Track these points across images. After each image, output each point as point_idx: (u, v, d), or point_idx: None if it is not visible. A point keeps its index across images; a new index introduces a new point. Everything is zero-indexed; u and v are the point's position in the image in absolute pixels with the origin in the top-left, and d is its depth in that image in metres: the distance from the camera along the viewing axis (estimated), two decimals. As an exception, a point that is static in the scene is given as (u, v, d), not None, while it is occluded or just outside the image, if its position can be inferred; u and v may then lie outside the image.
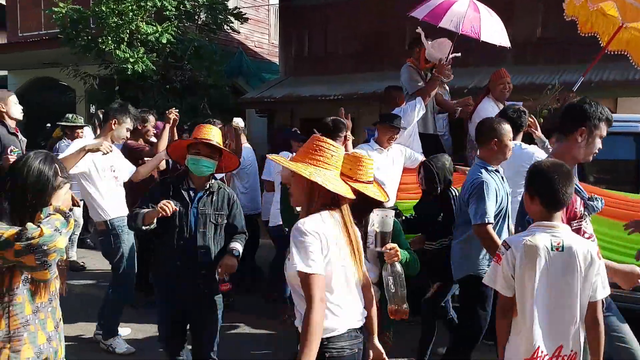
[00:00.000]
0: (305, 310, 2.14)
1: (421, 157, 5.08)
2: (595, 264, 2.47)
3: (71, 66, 10.79)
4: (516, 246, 2.51)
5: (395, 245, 2.70)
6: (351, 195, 2.32)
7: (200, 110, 10.10)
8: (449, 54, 5.41)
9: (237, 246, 3.43)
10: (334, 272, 2.23)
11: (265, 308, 5.58)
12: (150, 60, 9.53)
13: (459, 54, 5.52)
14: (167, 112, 5.04)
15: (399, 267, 2.71)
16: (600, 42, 5.47)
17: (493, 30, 5.25)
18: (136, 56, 9.33)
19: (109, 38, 9.39)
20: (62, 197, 2.11)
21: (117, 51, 9.31)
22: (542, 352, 2.46)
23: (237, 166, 3.73)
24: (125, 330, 4.77)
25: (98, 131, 6.06)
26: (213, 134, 3.38)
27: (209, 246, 3.40)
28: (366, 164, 2.67)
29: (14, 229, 1.91)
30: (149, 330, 4.88)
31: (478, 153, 3.61)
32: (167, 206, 3.16)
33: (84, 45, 9.77)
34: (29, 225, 1.89)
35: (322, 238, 2.18)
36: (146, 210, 3.25)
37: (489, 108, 5.16)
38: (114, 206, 4.43)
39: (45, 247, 1.86)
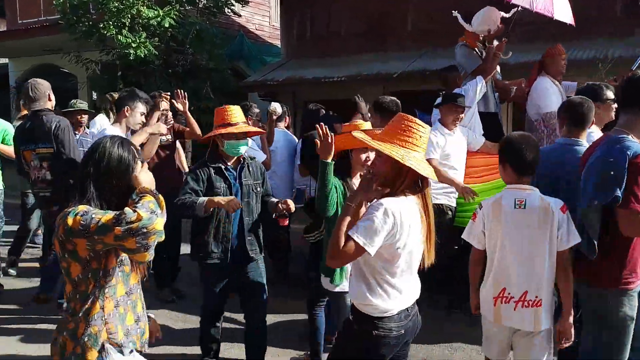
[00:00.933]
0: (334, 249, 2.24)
1: (483, 139, 4.96)
2: (556, 218, 2.76)
3: (72, 52, 10.75)
4: (486, 205, 2.93)
5: None
6: (435, 178, 2.39)
7: (203, 94, 10.08)
8: (498, 22, 5.34)
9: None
10: (401, 256, 2.32)
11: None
12: (152, 44, 9.49)
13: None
14: (158, 96, 5.02)
15: None
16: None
17: (564, 9, 5.12)
18: (138, 41, 9.29)
19: (110, 23, 9.34)
20: (143, 178, 2.14)
21: (119, 36, 9.27)
22: (508, 293, 2.83)
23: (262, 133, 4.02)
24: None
25: (111, 115, 6.06)
26: (237, 114, 3.59)
27: (254, 213, 3.66)
28: None
29: (110, 214, 1.95)
30: (166, 315, 4.94)
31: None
32: (236, 204, 3.42)
33: (85, 31, 9.73)
34: (127, 210, 1.93)
35: (397, 222, 2.23)
36: (204, 199, 3.43)
37: (547, 86, 4.98)
38: None
39: (145, 230, 1.90)
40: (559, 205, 2.81)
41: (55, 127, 4.53)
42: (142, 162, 2.21)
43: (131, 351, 2.13)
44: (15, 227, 6.65)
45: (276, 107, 5.35)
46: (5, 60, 15.85)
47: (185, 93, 4.96)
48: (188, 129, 5.30)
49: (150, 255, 2.00)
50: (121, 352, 2.08)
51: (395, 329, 2.35)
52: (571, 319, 2.81)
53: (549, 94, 4.87)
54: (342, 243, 2.22)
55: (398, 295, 2.36)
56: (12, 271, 6.26)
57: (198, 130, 5.27)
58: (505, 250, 2.83)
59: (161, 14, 9.50)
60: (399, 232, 2.24)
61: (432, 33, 9.80)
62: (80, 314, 2.04)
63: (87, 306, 2.04)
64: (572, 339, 2.83)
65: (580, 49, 8.22)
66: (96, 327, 2.04)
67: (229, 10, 11.23)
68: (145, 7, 9.50)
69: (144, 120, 4.65)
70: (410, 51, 9.83)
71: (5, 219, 5.91)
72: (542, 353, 2.82)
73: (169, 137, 5.05)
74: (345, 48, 10.57)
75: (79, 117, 6.17)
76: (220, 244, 3.57)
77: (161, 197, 2.06)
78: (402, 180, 2.29)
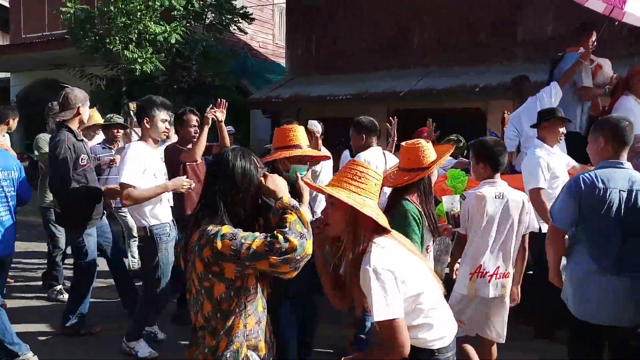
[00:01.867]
0: (384, 351, 2.04)
1: (573, 161, 4.52)
2: (525, 208, 3.45)
3: (77, 67, 10.74)
4: (469, 196, 3.48)
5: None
6: (388, 227, 2.20)
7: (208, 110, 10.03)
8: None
9: None
10: (427, 288, 2.19)
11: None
12: (158, 60, 9.48)
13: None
14: (188, 112, 4.75)
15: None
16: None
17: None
18: (144, 56, 9.27)
19: (117, 38, 9.33)
20: (273, 185, 2.09)
21: (126, 51, 9.26)
22: (484, 269, 3.41)
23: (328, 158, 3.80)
24: (160, 335, 4.66)
25: (130, 123, 5.91)
26: (298, 135, 3.28)
27: None
28: None
29: (259, 239, 1.93)
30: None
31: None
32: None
33: (91, 46, 9.72)
34: (280, 238, 1.91)
35: (394, 271, 2.06)
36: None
37: (631, 106, 4.70)
38: (155, 212, 4.23)
39: (299, 257, 1.92)
40: (526, 197, 3.55)
41: (51, 147, 4.42)
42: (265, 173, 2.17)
43: None
44: (28, 245, 6.44)
45: (315, 124, 5.04)
46: (7, 75, 15.83)
47: (226, 102, 4.64)
48: (216, 143, 4.98)
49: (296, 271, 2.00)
50: None
51: (452, 356, 2.27)
52: (519, 286, 3.59)
53: (633, 115, 4.23)
54: (382, 334, 2.05)
55: (446, 321, 2.27)
56: (59, 296, 5.76)
57: (228, 144, 5.11)
58: (486, 233, 3.40)
59: (168, 30, 9.50)
60: (404, 278, 2.08)
61: (438, 51, 9.87)
62: (222, 332, 2.02)
63: (229, 324, 2.01)
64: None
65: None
66: (238, 344, 2.02)
67: (235, 28, 11.24)
68: (152, 23, 9.50)
69: (168, 127, 4.37)
70: (416, 69, 9.87)
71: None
72: (507, 310, 3.53)
73: (193, 185, 4.42)
74: (350, 66, 10.61)
75: (115, 131, 6.12)
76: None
77: (302, 211, 2.02)
78: (360, 228, 2.13)
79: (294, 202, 2.04)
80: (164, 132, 4.34)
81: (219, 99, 4.65)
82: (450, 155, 5.52)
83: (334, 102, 9.89)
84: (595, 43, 5.17)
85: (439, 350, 2.21)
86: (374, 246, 2.10)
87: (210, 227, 1.99)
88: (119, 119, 6.21)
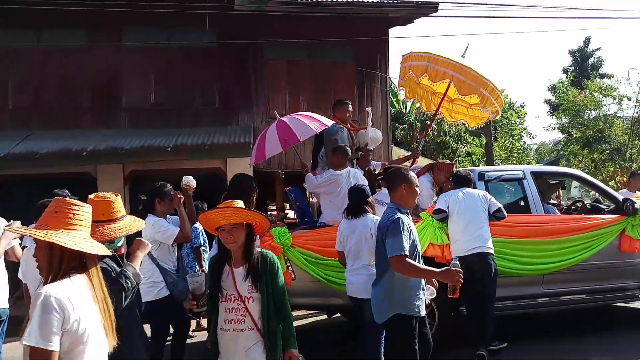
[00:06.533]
0: None
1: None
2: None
3: None
4: None
5: None
6: (106, 252, 2.26)
7: None
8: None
9: None
10: (88, 342, 2.11)
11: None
12: None
13: None
14: None
15: None
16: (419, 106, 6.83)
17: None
18: None
19: None
20: None
21: None
22: None
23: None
24: None
25: None
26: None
27: None
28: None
29: None
30: None
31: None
32: None
33: None
34: None
35: (67, 307, 2.02)
36: None
37: (424, 181, 5.79)
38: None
39: None
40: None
41: None
42: None
43: None
44: None
45: (190, 179, 4.77)
46: None
47: None
48: None
49: None
50: None
51: None
52: None
53: (423, 189, 5.56)
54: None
55: None
56: None
57: None
58: None
59: None
60: (72, 318, 2.03)
61: (39, 114, 9.38)
62: None
63: None
64: None
65: (186, 136, 8.99)
66: None
67: None
68: None
69: None
70: (13, 132, 9.09)
71: None
72: None
73: None
74: None
75: None
76: None
77: None
78: (61, 261, 2.10)
79: None
80: None
81: None
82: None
83: None
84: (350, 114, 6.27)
85: None
86: (64, 278, 2.10)
87: None
88: None
